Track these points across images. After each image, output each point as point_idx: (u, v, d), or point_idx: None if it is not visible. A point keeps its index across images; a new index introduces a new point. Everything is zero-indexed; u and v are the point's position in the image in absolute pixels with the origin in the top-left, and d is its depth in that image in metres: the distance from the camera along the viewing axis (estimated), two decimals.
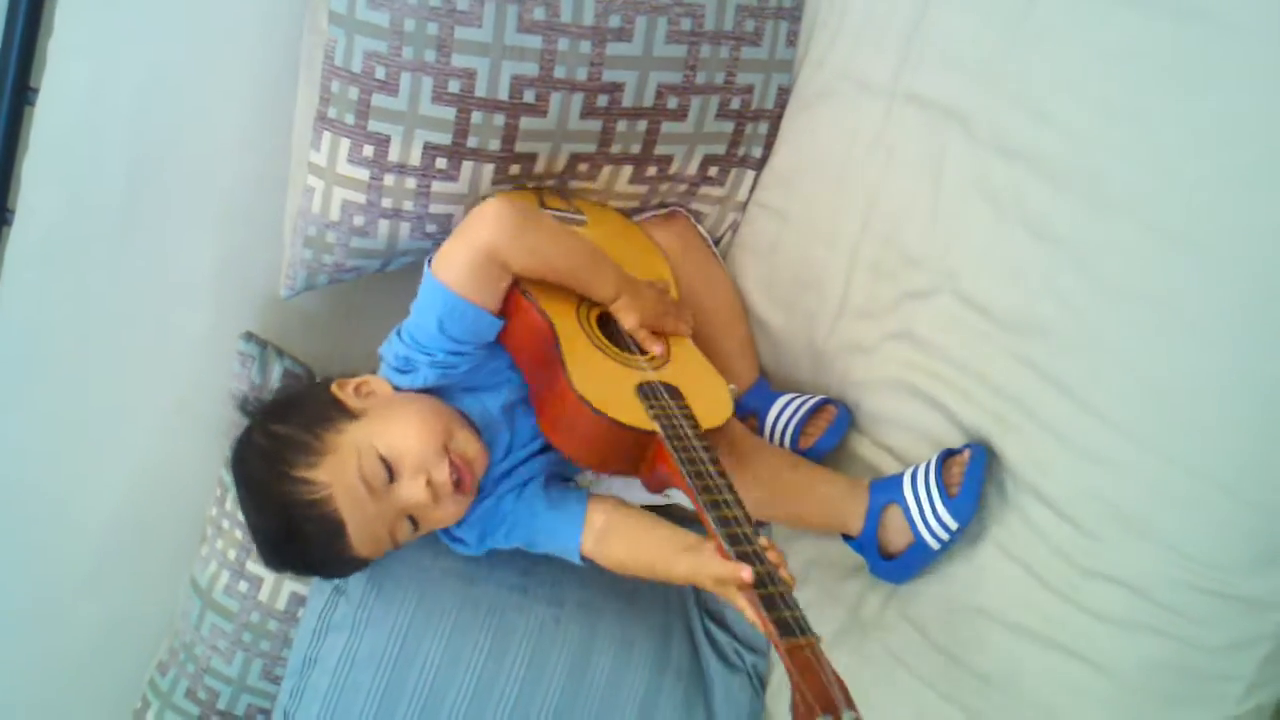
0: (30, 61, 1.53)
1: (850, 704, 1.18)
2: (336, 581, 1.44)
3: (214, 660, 1.55)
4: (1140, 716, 1.25)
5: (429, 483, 1.28)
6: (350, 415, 1.30)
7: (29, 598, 1.65)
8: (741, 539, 1.18)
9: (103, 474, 1.63)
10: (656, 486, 1.31)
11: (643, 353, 1.36)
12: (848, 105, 1.47)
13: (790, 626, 1.13)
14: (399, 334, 1.34)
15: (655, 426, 1.24)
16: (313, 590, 1.47)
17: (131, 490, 1.63)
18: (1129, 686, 1.24)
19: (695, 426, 1.25)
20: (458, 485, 1.30)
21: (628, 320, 1.35)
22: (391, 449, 1.28)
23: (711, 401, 1.32)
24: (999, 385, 1.33)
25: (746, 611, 1.17)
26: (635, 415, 1.25)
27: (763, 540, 1.24)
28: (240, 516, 1.46)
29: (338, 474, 1.27)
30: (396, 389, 1.34)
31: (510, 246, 1.27)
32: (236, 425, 1.40)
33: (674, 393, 1.29)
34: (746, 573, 1.15)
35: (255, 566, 1.52)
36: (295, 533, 1.29)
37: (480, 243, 1.26)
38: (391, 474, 1.28)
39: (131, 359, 1.59)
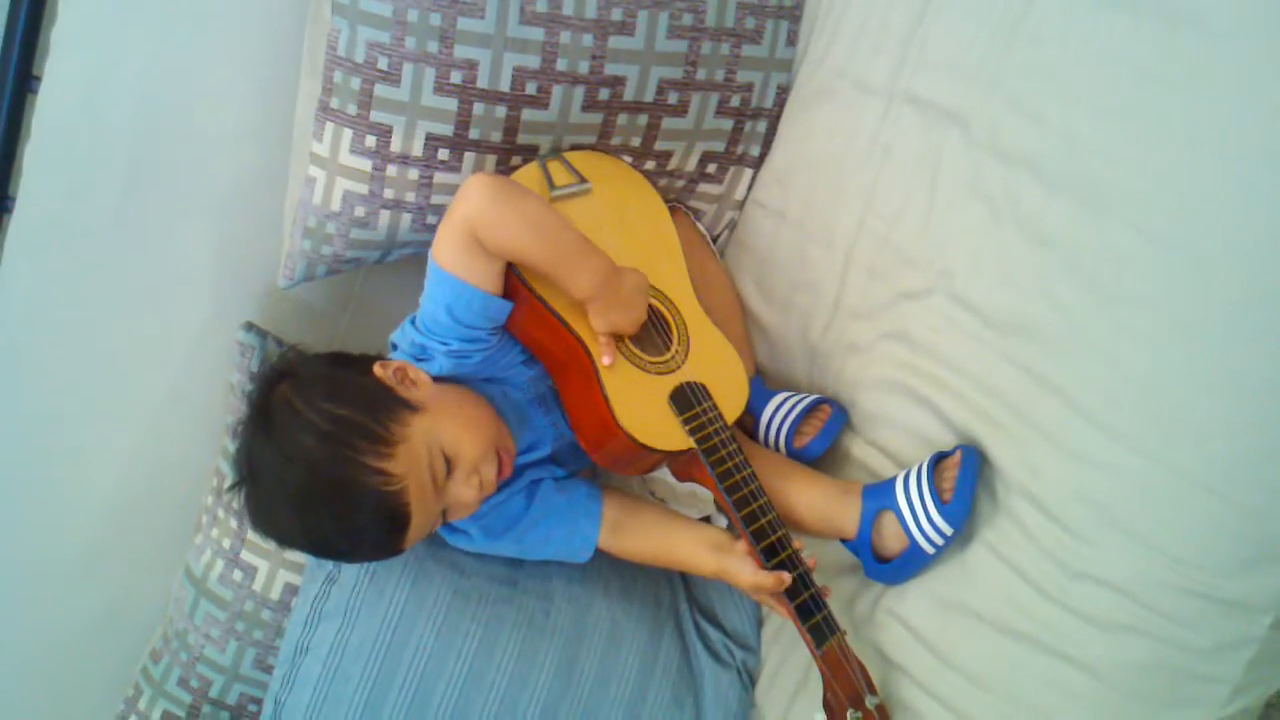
0: (33, 50, 1.53)
1: (872, 689, 1.27)
2: (330, 570, 1.44)
3: (207, 649, 1.55)
4: (1127, 718, 1.25)
5: (480, 483, 1.30)
6: (409, 406, 1.28)
7: (24, 584, 1.65)
8: (777, 547, 1.32)
9: (99, 462, 1.63)
10: (684, 478, 1.41)
11: (665, 346, 1.40)
12: (846, 105, 1.49)
13: (823, 631, 1.27)
14: (413, 322, 1.35)
15: (692, 443, 1.33)
16: (306, 578, 1.47)
17: (128, 478, 1.63)
18: (1116, 688, 1.24)
19: (726, 427, 1.35)
20: (498, 475, 1.33)
21: (595, 324, 1.33)
22: (454, 446, 1.28)
23: (732, 389, 1.41)
24: (991, 386, 1.34)
25: (779, 611, 1.31)
26: (674, 436, 1.34)
27: (796, 543, 1.30)
28: (235, 505, 1.46)
29: (411, 468, 1.25)
30: (434, 379, 1.33)
31: (485, 223, 1.25)
32: (249, 395, 1.37)
33: (702, 393, 1.37)
34: (786, 578, 1.28)
35: (250, 555, 1.52)
36: (365, 523, 1.26)
37: (458, 219, 1.26)
38: (448, 470, 1.29)
39: (129, 347, 1.60)
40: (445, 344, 1.32)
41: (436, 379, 1.34)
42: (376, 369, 1.31)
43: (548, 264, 1.29)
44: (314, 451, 1.24)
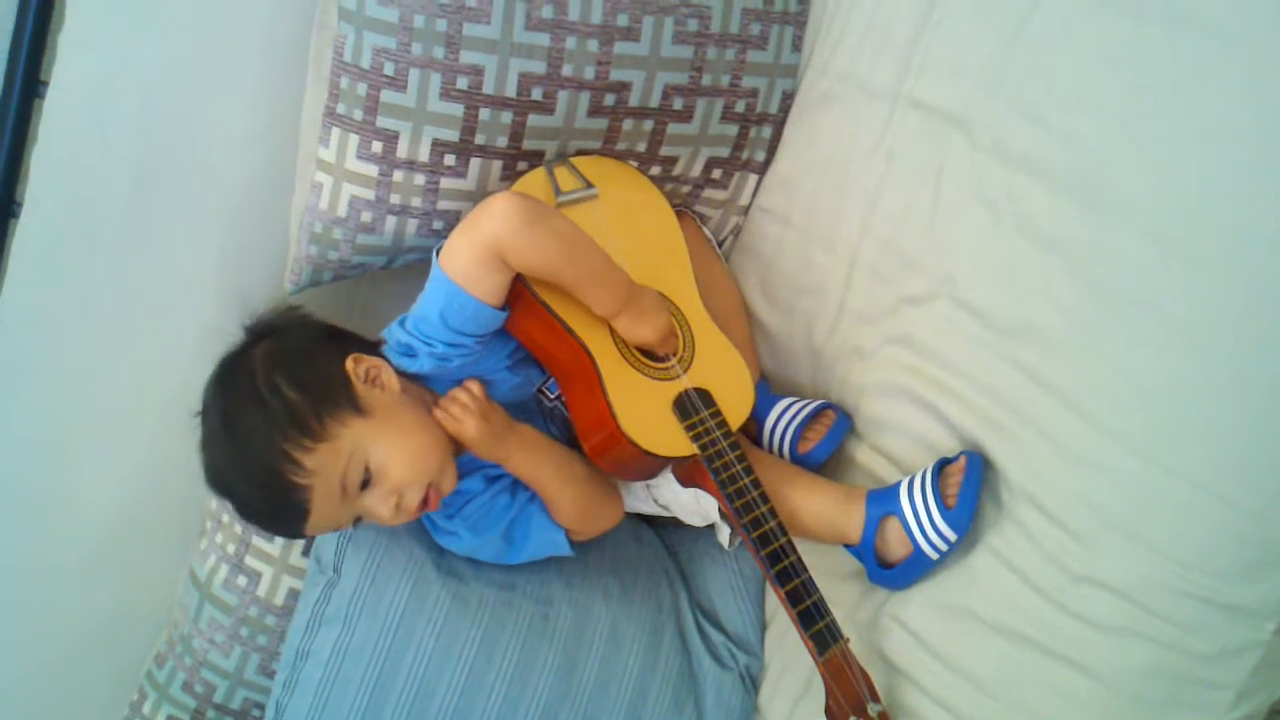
0: (41, 55, 1.53)
1: (875, 696, 1.27)
2: (330, 575, 1.44)
3: (211, 653, 1.56)
4: None
5: (398, 504, 1.30)
6: (356, 409, 1.29)
7: (29, 587, 1.65)
8: (780, 554, 1.31)
9: (105, 466, 1.63)
10: (688, 484, 1.42)
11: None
12: (850, 110, 1.49)
13: (826, 638, 1.26)
14: (402, 322, 1.35)
15: (695, 449, 1.33)
16: (307, 583, 1.47)
17: (133, 482, 1.63)
18: (1119, 692, 1.24)
19: (730, 433, 1.35)
20: (421, 506, 1.32)
21: (627, 339, 1.36)
22: (381, 465, 1.28)
23: (737, 395, 1.41)
24: (994, 390, 1.34)
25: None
26: (678, 442, 1.34)
27: None
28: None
29: (324, 467, 1.26)
30: (402, 379, 1.34)
31: (515, 244, 1.26)
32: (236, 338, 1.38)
33: (705, 399, 1.37)
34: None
35: (254, 561, 1.53)
36: (266, 501, 1.29)
37: (484, 237, 1.26)
38: (366, 482, 1.29)
39: (135, 352, 1.60)
40: (429, 345, 1.33)
41: (417, 376, 1.35)
42: (348, 363, 1.32)
43: (573, 283, 1.31)
44: (251, 426, 1.27)
